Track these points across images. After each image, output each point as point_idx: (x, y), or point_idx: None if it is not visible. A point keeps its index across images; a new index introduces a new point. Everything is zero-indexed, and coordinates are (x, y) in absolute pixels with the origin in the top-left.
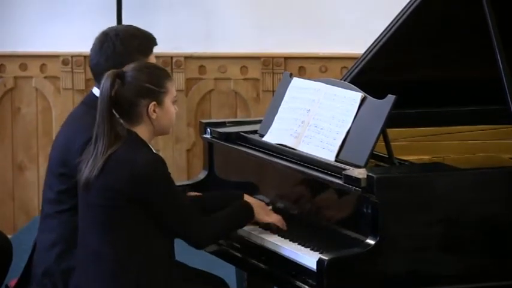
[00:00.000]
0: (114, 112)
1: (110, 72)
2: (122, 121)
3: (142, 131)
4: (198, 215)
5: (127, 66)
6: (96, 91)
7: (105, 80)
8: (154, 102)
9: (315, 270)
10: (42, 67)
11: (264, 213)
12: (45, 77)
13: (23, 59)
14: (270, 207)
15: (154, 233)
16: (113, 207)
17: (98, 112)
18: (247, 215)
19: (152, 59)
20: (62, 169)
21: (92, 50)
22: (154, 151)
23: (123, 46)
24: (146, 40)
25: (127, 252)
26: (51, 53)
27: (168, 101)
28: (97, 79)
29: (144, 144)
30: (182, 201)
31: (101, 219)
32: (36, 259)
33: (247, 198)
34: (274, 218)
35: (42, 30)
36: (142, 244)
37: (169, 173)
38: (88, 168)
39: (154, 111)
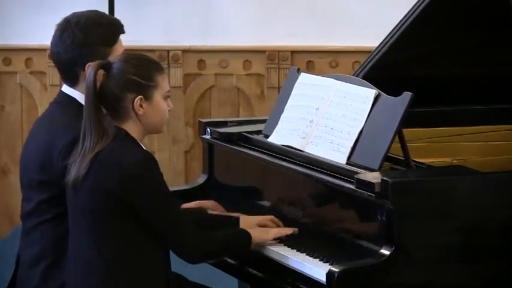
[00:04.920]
0: (102, 107)
1: (94, 63)
2: (109, 117)
3: (131, 128)
4: (192, 226)
5: (114, 56)
6: (65, 89)
7: (90, 72)
8: (140, 97)
9: (325, 283)
10: (28, 61)
11: (263, 232)
12: (30, 73)
13: (7, 53)
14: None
15: (147, 242)
16: (102, 211)
17: (84, 107)
18: (244, 242)
19: (119, 49)
20: (42, 176)
21: (52, 37)
22: (144, 148)
23: (84, 36)
24: (110, 29)
25: (119, 263)
26: (37, 46)
27: (157, 96)
28: (59, 70)
29: (133, 142)
30: (174, 206)
31: (90, 225)
32: (20, 276)
33: (243, 218)
34: (274, 233)
35: (28, 21)
36: (135, 254)
37: (161, 174)
38: (76, 167)
39: (141, 106)
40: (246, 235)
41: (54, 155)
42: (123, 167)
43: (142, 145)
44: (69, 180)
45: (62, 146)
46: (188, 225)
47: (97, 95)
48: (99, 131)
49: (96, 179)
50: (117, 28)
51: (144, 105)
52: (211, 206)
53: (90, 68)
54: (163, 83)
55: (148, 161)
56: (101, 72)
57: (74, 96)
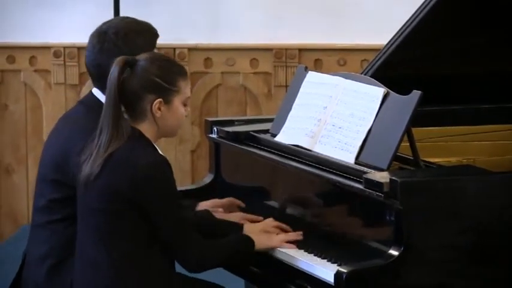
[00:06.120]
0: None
1: (120, 58)
2: (127, 116)
3: (146, 129)
4: (196, 236)
5: (141, 54)
6: (96, 92)
7: (114, 67)
8: (160, 100)
9: (333, 284)
10: (32, 60)
11: (266, 239)
12: (35, 71)
13: (11, 51)
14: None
15: (155, 244)
16: (111, 211)
17: (104, 102)
18: (247, 248)
19: None
20: (56, 175)
21: (90, 50)
22: (160, 152)
23: (127, 46)
24: (150, 36)
25: (127, 264)
26: (41, 44)
27: (177, 101)
28: (98, 81)
29: (148, 144)
30: (181, 214)
31: (99, 225)
32: (26, 273)
33: (247, 226)
34: (277, 240)
35: (32, 19)
36: (143, 255)
37: (174, 179)
38: (89, 165)
39: (159, 109)
40: (249, 243)
41: (70, 157)
42: (135, 169)
43: (157, 147)
44: (80, 178)
45: (79, 149)
46: (193, 235)
47: (119, 91)
48: (116, 129)
49: (108, 178)
50: (154, 34)
51: (162, 109)
52: (228, 204)
53: (114, 63)
54: (186, 89)
55: (161, 164)
56: (125, 68)
57: (103, 101)
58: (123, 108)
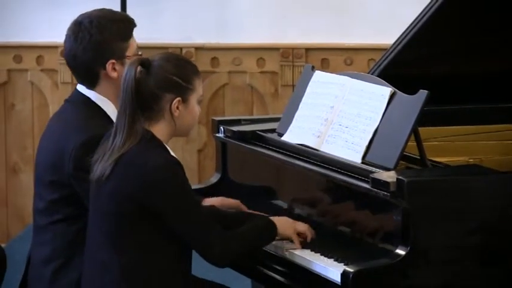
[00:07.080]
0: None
1: (134, 59)
2: (142, 117)
3: (160, 129)
4: (217, 228)
5: (154, 55)
6: (80, 88)
7: (129, 69)
8: (179, 98)
9: (339, 283)
10: (39, 59)
11: (289, 227)
12: (41, 70)
13: (17, 50)
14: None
15: (166, 248)
16: (121, 214)
17: (119, 103)
18: (270, 233)
19: (133, 43)
20: (53, 176)
21: (66, 42)
22: (171, 153)
23: (101, 34)
24: (124, 23)
25: (134, 267)
26: (48, 43)
27: (193, 99)
28: (77, 74)
29: (159, 145)
30: (199, 211)
31: (110, 227)
32: (31, 276)
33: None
34: (300, 228)
35: (39, 18)
36: (152, 261)
37: (186, 179)
38: (100, 166)
39: (177, 108)
40: (272, 228)
41: (65, 155)
42: (145, 171)
43: (169, 149)
44: (93, 177)
45: (72, 148)
46: (213, 229)
47: (136, 92)
48: (131, 131)
49: (118, 181)
50: (130, 22)
51: (180, 108)
52: (235, 206)
53: (128, 64)
54: (200, 88)
55: (172, 165)
56: (139, 69)
57: (89, 96)
58: (139, 110)
